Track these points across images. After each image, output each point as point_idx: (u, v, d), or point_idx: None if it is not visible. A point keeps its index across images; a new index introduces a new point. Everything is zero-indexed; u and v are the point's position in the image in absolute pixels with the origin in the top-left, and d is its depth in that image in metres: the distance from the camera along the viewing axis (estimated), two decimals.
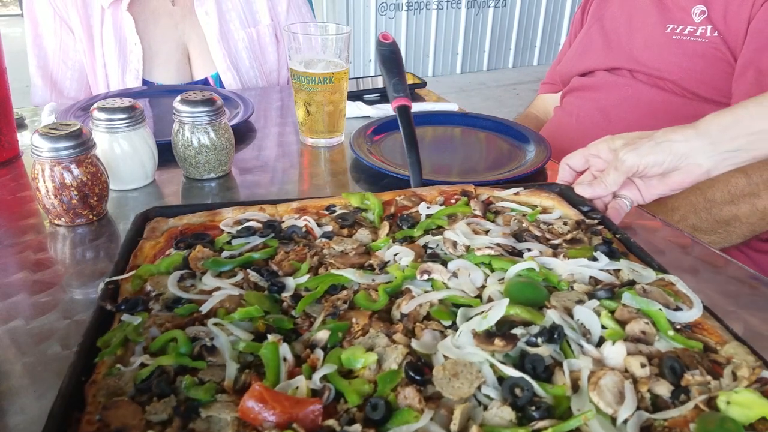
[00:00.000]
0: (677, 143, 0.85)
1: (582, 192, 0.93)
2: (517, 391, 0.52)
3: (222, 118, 1.11)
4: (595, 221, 0.84)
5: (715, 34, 1.28)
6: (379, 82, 1.70)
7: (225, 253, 0.74)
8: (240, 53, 1.76)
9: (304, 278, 0.69)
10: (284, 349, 0.56)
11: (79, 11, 1.62)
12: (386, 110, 1.49)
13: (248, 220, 0.83)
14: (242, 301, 0.65)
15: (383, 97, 1.63)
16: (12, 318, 0.74)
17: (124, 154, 1.06)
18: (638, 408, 0.51)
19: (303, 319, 0.63)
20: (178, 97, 1.10)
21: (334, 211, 0.85)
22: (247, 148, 1.32)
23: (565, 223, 0.82)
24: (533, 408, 0.50)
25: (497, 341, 0.55)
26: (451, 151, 1.32)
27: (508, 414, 0.50)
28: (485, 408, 0.51)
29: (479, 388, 0.52)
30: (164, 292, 0.67)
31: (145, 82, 1.69)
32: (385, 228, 0.79)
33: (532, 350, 0.56)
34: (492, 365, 0.54)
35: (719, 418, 0.49)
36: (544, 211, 0.87)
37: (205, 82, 1.78)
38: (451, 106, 1.57)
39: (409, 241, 0.78)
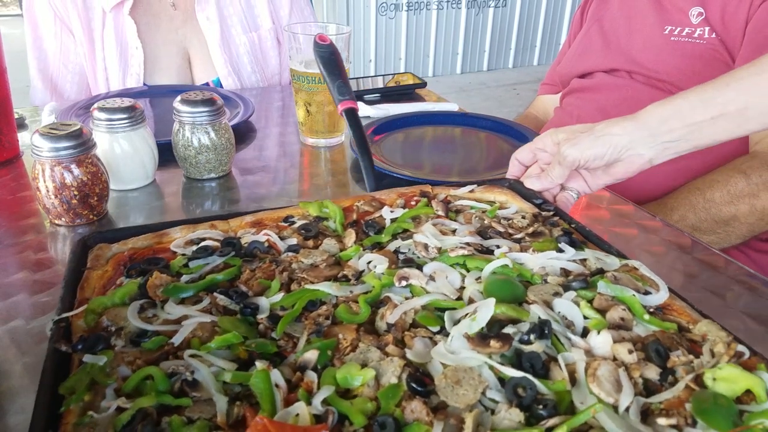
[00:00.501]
0: (617, 136, 0.88)
1: (531, 185, 0.94)
2: (520, 390, 0.52)
3: (222, 118, 1.10)
4: (551, 213, 0.86)
5: (713, 35, 1.30)
6: (380, 82, 1.69)
7: (184, 277, 0.69)
8: (241, 58, 1.72)
9: (277, 297, 0.65)
10: (276, 376, 0.53)
11: (80, 14, 1.55)
12: (386, 110, 1.48)
13: (201, 239, 0.78)
14: (216, 328, 0.60)
15: (383, 97, 1.63)
16: (12, 318, 0.75)
17: (125, 154, 1.06)
18: (634, 394, 0.53)
19: (285, 340, 0.60)
20: (179, 97, 1.08)
21: (293, 222, 0.81)
22: (248, 148, 1.31)
23: (523, 217, 0.84)
24: (540, 406, 0.50)
25: (494, 343, 0.55)
26: (451, 151, 1.32)
27: (516, 415, 0.50)
28: (492, 412, 0.51)
29: (484, 392, 0.52)
30: (125, 325, 0.61)
31: (145, 86, 1.63)
32: (351, 236, 0.77)
33: (526, 348, 0.56)
34: (491, 367, 0.54)
35: (711, 395, 0.51)
36: (501, 206, 0.88)
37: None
38: (451, 106, 1.57)
39: (378, 247, 0.76)
